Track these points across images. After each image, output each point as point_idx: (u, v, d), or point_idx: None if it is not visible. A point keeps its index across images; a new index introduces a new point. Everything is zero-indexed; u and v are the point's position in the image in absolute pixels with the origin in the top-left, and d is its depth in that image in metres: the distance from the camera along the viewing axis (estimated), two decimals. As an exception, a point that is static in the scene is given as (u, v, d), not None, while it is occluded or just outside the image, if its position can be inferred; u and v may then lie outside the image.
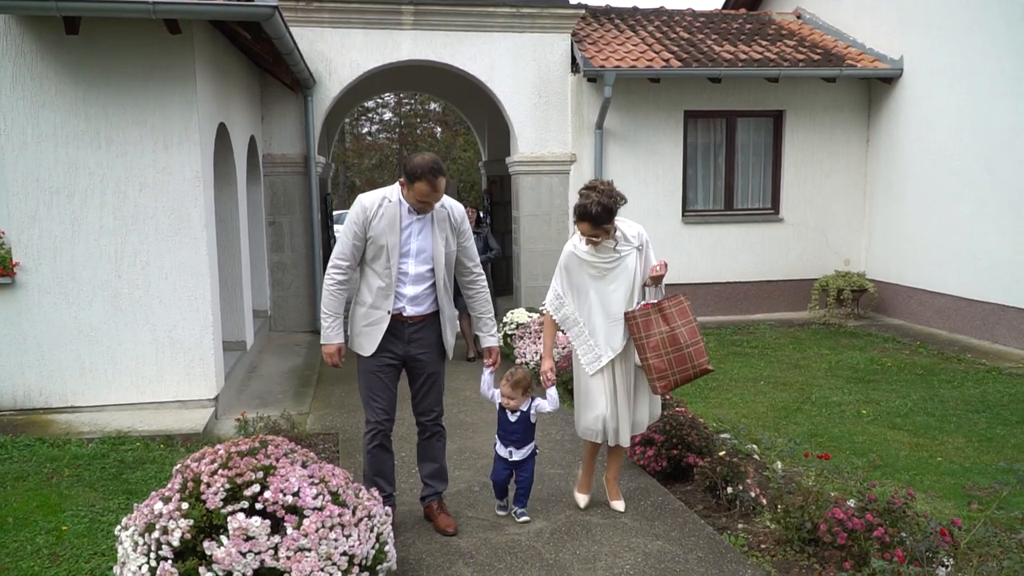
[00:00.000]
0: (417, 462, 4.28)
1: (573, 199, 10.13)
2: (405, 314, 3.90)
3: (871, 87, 10.61)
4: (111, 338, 5.81)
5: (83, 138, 5.60)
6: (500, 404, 4.15)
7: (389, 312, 3.86)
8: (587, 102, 9.95)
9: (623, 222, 4.02)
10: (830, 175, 10.77)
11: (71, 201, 5.65)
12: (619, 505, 4.34)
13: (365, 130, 30.74)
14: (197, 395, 5.97)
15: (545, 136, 9.97)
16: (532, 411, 4.13)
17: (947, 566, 3.15)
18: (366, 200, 3.86)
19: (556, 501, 4.44)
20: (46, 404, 5.79)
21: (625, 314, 3.97)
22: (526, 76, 9.82)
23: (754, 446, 5.14)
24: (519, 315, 8.07)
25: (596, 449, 4.35)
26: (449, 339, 4.06)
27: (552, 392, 4.12)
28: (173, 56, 5.64)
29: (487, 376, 4.18)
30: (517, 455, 4.13)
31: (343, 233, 3.89)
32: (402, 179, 3.81)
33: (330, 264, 3.92)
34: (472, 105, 13.44)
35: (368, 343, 3.90)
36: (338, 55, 9.35)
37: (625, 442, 4.16)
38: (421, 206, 3.79)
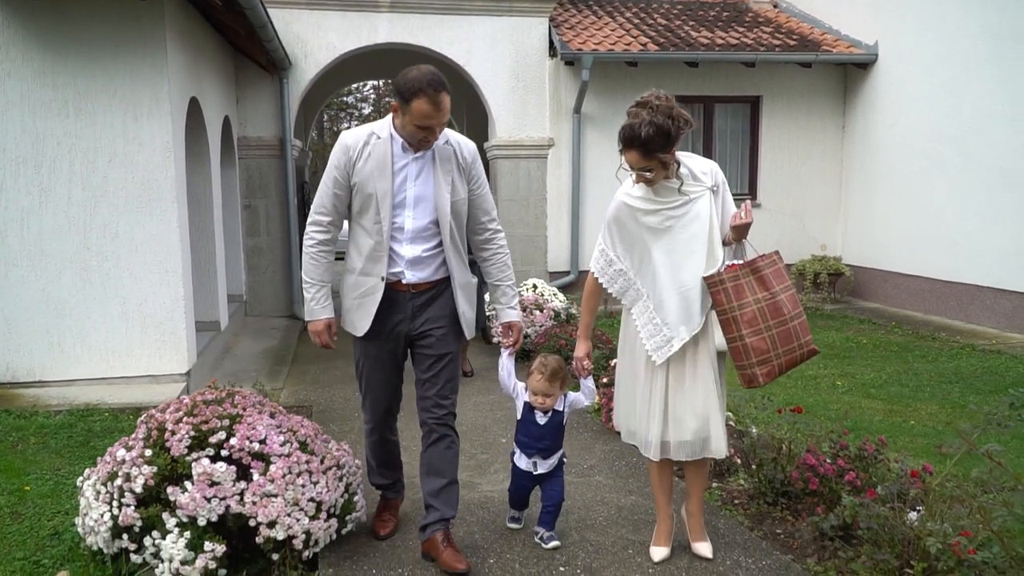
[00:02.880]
0: (420, 476, 3.28)
1: (551, 183, 10.12)
2: (405, 281, 3.12)
3: (847, 73, 10.69)
4: (80, 311, 5.71)
5: (51, 107, 5.50)
6: (526, 403, 3.31)
7: (382, 278, 3.09)
8: (565, 86, 9.94)
9: (690, 156, 3.05)
10: (807, 161, 10.83)
11: (39, 171, 5.54)
12: (704, 548, 3.20)
13: (345, 125, 30.61)
14: (168, 370, 5.87)
15: (523, 120, 9.94)
16: (567, 410, 3.30)
17: (919, 510, 3.15)
18: (349, 138, 3.10)
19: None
20: (13, 379, 5.68)
21: (706, 278, 2.92)
22: (504, 60, 9.79)
23: (729, 413, 5.13)
24: (497, 295, 8.02)
25: (668, 473, 3.22)
26: (466, 313, 3.25)
27: (588, 383, 3.33)
28: (143, 23, 5.55)
29: (506, 360, 3.32)
30: (543, 467, 3.30)
31: (322, 181, 3.15)
32: (393, 102, 3.02)
33: (308, 221, 3.18)
34: (451, 92, 13.40)
35: (361, 320, 3.15)
36: (314, 37, 9.28)
37: (720, 452, 3.03)
38: (421, 137, 2.99)
